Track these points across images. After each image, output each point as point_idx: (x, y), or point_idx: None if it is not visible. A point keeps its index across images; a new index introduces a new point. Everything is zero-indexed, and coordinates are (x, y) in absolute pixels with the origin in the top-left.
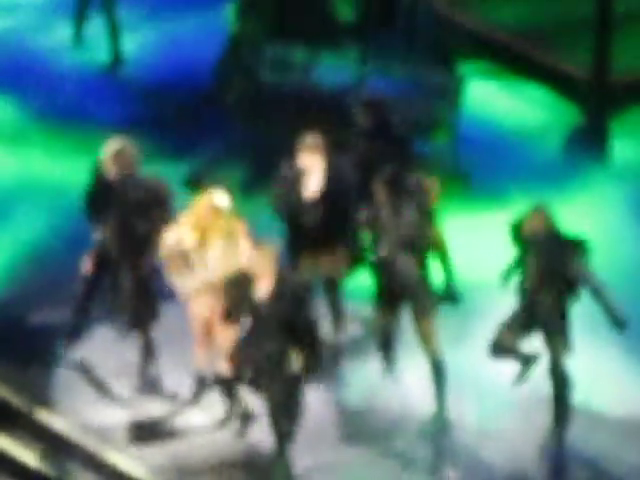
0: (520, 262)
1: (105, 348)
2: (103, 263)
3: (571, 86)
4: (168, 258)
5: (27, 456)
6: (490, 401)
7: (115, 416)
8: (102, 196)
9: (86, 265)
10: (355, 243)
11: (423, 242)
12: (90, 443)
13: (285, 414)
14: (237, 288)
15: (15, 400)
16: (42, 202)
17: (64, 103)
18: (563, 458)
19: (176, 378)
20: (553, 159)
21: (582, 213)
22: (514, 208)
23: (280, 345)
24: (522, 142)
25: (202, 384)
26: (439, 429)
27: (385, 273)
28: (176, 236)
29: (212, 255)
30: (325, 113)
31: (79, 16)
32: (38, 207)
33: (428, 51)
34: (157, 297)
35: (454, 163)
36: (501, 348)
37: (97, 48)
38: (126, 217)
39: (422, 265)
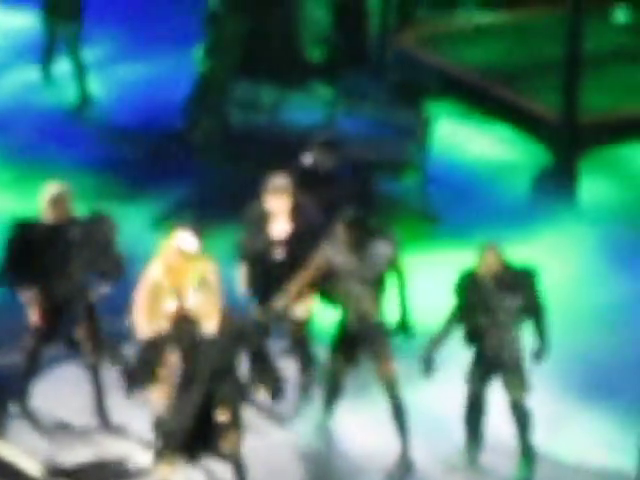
0: (467, 309)
1: (69, 386)
2: (50, 312)
3: (540, 127)
4: (142, 298)
5: None
6: (454, 440)
7: (81, 455)
8: (33, 247)
9: (33, 318)
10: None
11: (383, 284)
12: None
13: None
14: (180, 328)
15: None
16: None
17: (31, 144)
18: None
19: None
20: (521, 199)
21: (550, 253)
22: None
23: (232, 384)
24: (490, 182)
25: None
26: (404, 471)
27: (345, 315)
28: (150, 279)
29: (189, 301)
30: (293, 153)
31: (46, 57)
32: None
33: (397, 91)
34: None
35: (422, 203)
36: (474, 397)
37: (65, 89)
38: (72, 258)
39: (380, 306)
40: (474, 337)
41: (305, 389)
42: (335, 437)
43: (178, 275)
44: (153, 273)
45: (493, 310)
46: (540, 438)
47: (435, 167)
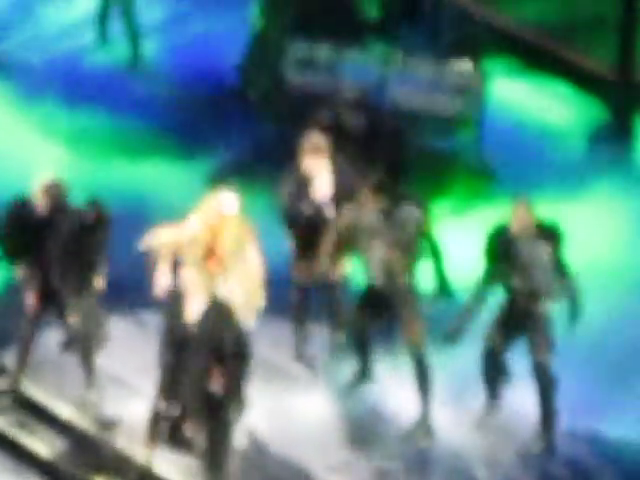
0: (497, 266)
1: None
2: (46, 296)
3: (596, 84)
4: (161, 252)
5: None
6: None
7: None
8: (29, 231)
9: (29, 301)
10: None
11: (414, 249)
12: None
13: (215, 447)
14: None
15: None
16: None
17: (86, 103)
18: (548, 464)
19: None
20: (577, 157)
21: (604, 212)
22: (537, 204)
23: (203, 367)
24: (546, 139)
25: None
26: (423, 434)
27: (372, 275)
28: (189, 231)
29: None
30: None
31: (101, 19)
32: None
33: (453, 48)
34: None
35: (478, 159)
36: (492, 355)
37: (120, 49)
38: (67, 246)
39: (410, 269)
40: (505, 293)
41: (336, 349)
42: (368, 398)
43: (215, 235)
44: (192, 226)
45: (525, 264)
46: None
47: (491, 124)
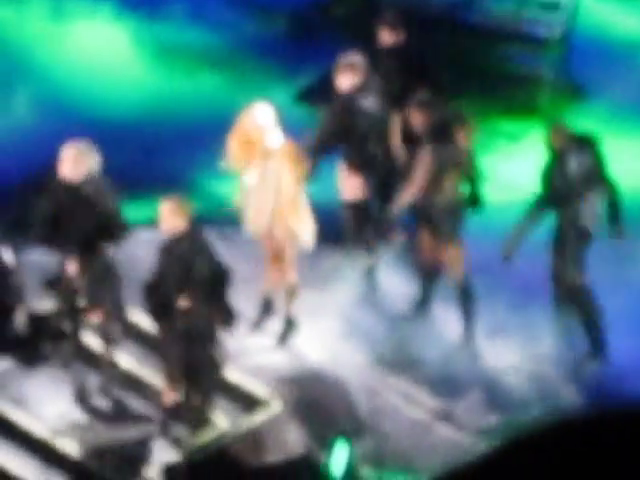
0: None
1: None
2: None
3: None
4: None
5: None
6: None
7: None
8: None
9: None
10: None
11: (458, 168)
12: None
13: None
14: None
15: None
16: None
17: (171, 19)
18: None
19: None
20: None
21: None
22: (626, 122)
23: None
24: (636, 58)
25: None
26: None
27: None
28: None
29: (249, 176)
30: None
31: None
32: None
33: None
34: None
35: (566, 77)
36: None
37: None
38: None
39: (454, 190)
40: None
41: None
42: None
43: (250, 146)
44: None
45: (571, 178)
46: None
47: (579, 40)
